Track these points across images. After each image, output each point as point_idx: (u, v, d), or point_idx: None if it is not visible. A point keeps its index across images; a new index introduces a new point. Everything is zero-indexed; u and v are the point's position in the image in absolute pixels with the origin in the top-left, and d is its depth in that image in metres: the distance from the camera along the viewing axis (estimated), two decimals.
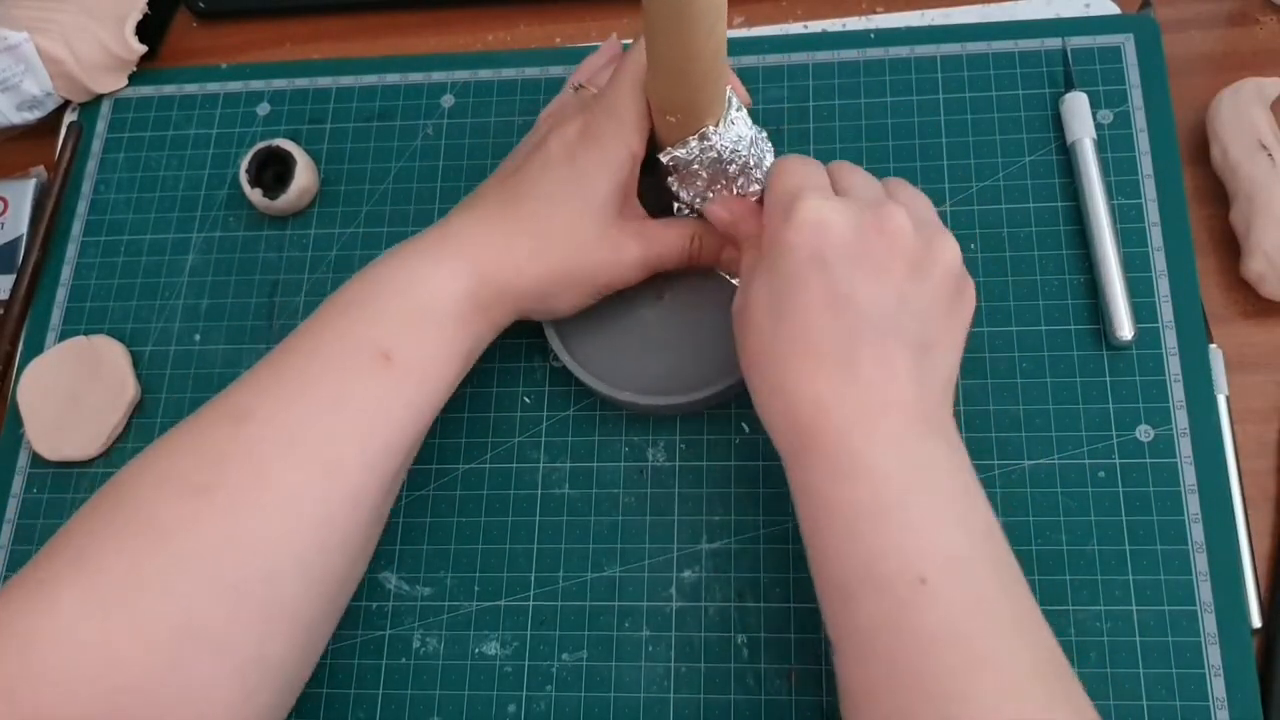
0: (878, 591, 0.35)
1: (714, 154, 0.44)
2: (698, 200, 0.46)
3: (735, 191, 0.45)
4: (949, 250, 0.40)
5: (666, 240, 0.46)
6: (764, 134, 0.45)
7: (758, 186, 0.45)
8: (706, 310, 0.49)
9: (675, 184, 0.46)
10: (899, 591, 0.34)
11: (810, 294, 0.38)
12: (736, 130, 0.44)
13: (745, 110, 0.44)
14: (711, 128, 0.43)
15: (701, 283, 0.50)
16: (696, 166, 0.44)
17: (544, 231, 0.44)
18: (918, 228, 0.40)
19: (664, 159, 0.45)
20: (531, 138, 0.48)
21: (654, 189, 0.47)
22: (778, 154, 0.45)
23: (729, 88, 0.43)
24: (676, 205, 0.48)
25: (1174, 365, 0.48)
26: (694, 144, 0.43)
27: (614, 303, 0.49)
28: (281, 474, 0.38)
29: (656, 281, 0.50)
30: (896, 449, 0.36)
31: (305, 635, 0.40)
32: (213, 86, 0.60)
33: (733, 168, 0.44)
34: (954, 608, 0.34)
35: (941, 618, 0.34)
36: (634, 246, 0.45)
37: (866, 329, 0.38)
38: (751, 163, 0.45)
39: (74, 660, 0.34)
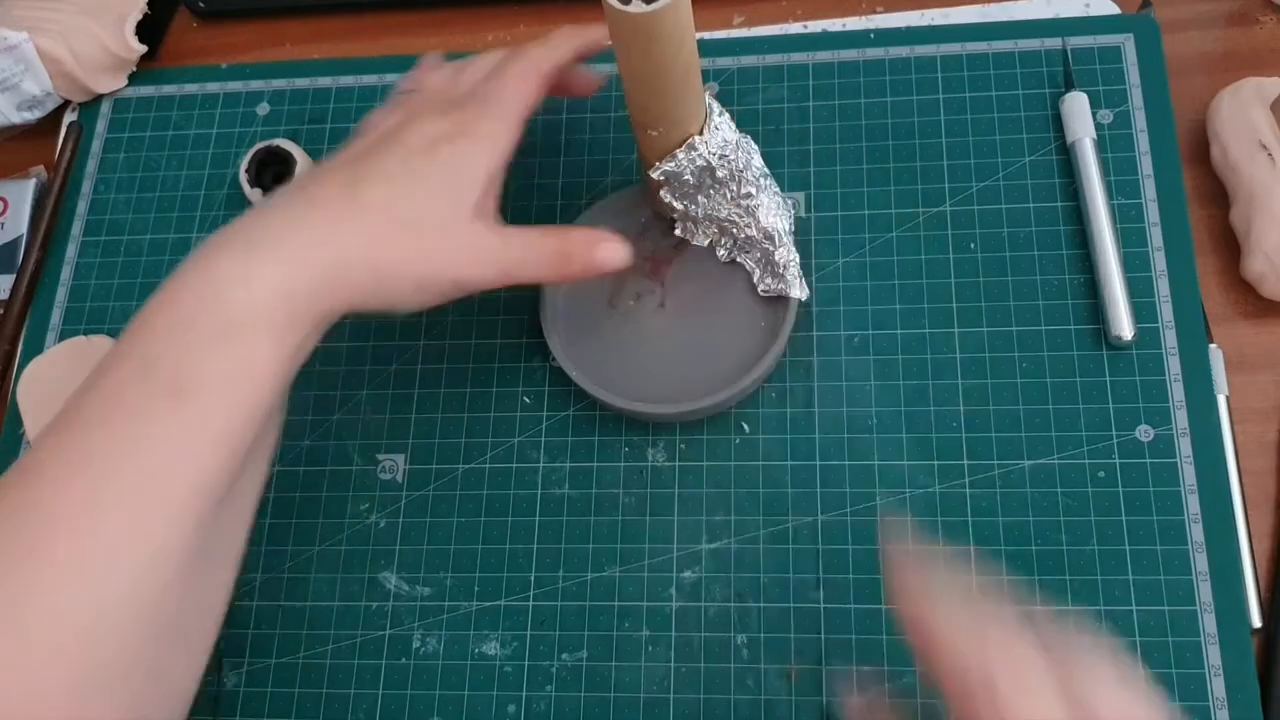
0: None
1: (702, 162, 0.44)
2: (693, 207, 0.47)
3: (729, 196, 0.46)
4: None
5: (529, 245, 0.42)
6: (746, 137, 0.46)
7: (751, 189, 0.46)
8: (708, 318, 0.49)
9: (668, 196, 0.46)
10: None
11: None
12: (722, 135, 0.44)
13: (728, 114, 0.45)
14: (696, 137, 0.43)
15: (702, 290, 0.50)
16: (687, 176, 0.45)
17: (386, 218, 0.39)
18: None
19: (654, 174, 0.45)
20: (370, 134, 0.44)
21: (641, 206, 0.47)
22: (775, 153, 0.45)
23: (708, 95, 0.43)
24: (674, 217, 0.48)
25: (1174, 365, 0.48)
26: (681, 156, 0.44)
27: (615, 311, 0.49)
28: (79, 532, 0.34)
29: (657, 290, 0.50)
30: None
31: (146, 684, 0.36)
32: (213, 86, 0.60)
33: (722, 172, 0.45)
34: None
35: None
36: (494, 247, 0.41)
37: None
38: (740, 165, 0.45)
39: None
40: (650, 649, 0.46)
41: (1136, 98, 0.52)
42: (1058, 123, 0.52)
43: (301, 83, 0.60)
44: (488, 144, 0.41)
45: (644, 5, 0.37)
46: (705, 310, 0.50)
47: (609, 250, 0.43)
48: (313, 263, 0.38)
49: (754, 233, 0.47)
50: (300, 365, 0.39)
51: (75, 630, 0.33)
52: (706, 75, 0.55)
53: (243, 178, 0.55)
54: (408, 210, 0.40)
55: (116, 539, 0.35)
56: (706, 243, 0.49)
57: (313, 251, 0.38)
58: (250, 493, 0.42)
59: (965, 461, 0.47)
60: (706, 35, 0.58)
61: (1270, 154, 0.49)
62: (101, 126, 0.60)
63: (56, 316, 0.56)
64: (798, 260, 0.48)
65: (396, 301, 0.40)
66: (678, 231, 0.49)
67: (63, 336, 0.56)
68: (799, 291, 0.48)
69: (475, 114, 0.42)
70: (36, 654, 0.33)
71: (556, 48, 0.46)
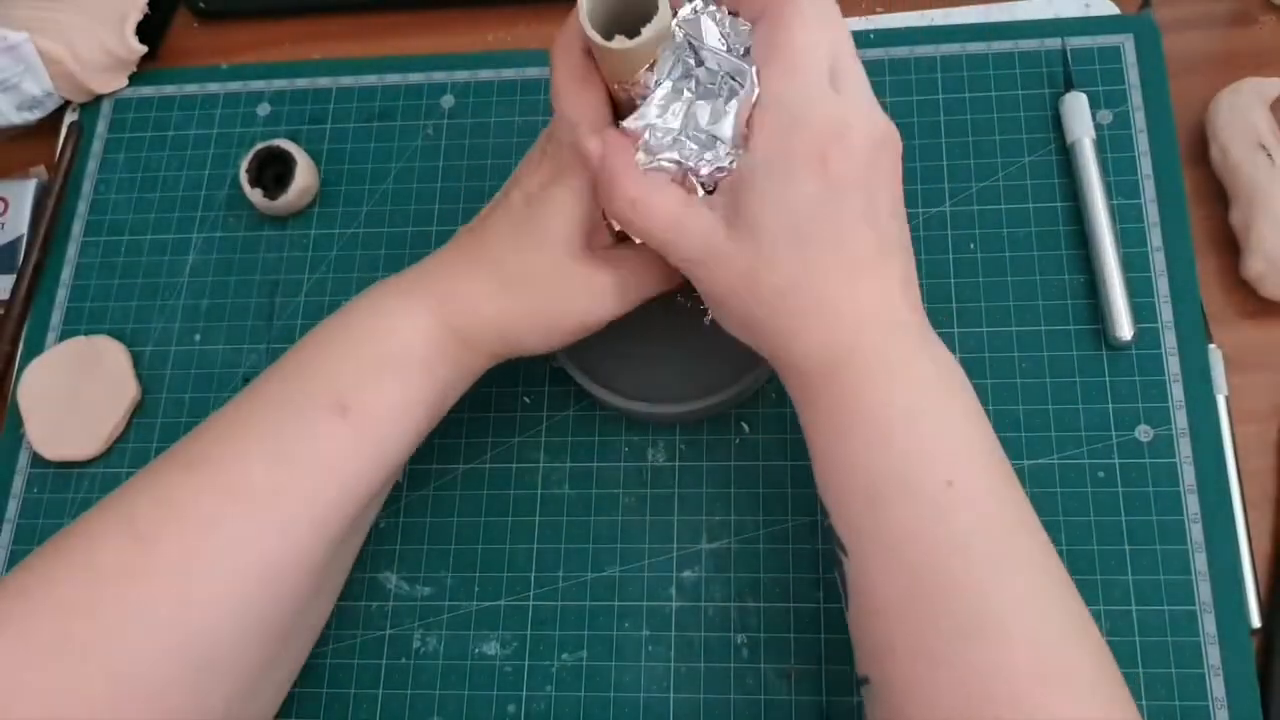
0: (910, 496, 0.35)
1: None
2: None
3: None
4: (897, 140, 0.38)
5: (641, 266, 0.43)
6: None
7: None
8: (710, 316, 0.49)
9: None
10: (931, 495, 0.35)
11: (849, 207, 0.36)
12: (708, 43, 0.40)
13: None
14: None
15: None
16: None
17: (503, 274, 0.42)
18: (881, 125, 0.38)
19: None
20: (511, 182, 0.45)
21: None
22: None
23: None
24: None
25: (1174, 365, 0.48)
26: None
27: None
28: (225, 527, 0.37)
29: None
30: (928, 353, 0.37)
31: (247, 685, 0.39)
32: (213, 86, 0.61)
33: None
34: (979, 511, 0.35)
35: (969, 521, 0.34)
36: (602, 279, 0.42)
37: (891, 238, 0.37)
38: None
39: (9, 709, 0.34)
40: (650, 649, 0.46)
41: (1136, 98, 0.52)
42: (1057, 123, 0.52)
43: (301, 83, 0.60)
44: (573, 183, 0.41)
45: (626, 41, 0.36)
46: (708, 309, 0.49)
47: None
48: (451, 314, 0.42)
49: None
50: (446, 410, 0.43)
51: (195, 625, 0.37)
52: None
53: (243, 178, 0.55)
54: (518, 268, 0.42)
55: (259, 536, 0.38)
56: None
57: (449, 304, 0.42)
58: (364, 529, 0.44)
59: None
60: None
61: (1270, 154, 0.49)
62: (102, 126, 0.60)
63: (56, 316, 0.56)
64: None
65: (528, 349, 0.43)
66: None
67: (63, 336, 0.56)
68: None
69: (554, 156, 0.42)
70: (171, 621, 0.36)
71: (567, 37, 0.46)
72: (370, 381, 0.40)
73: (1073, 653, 0.34)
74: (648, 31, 0.36)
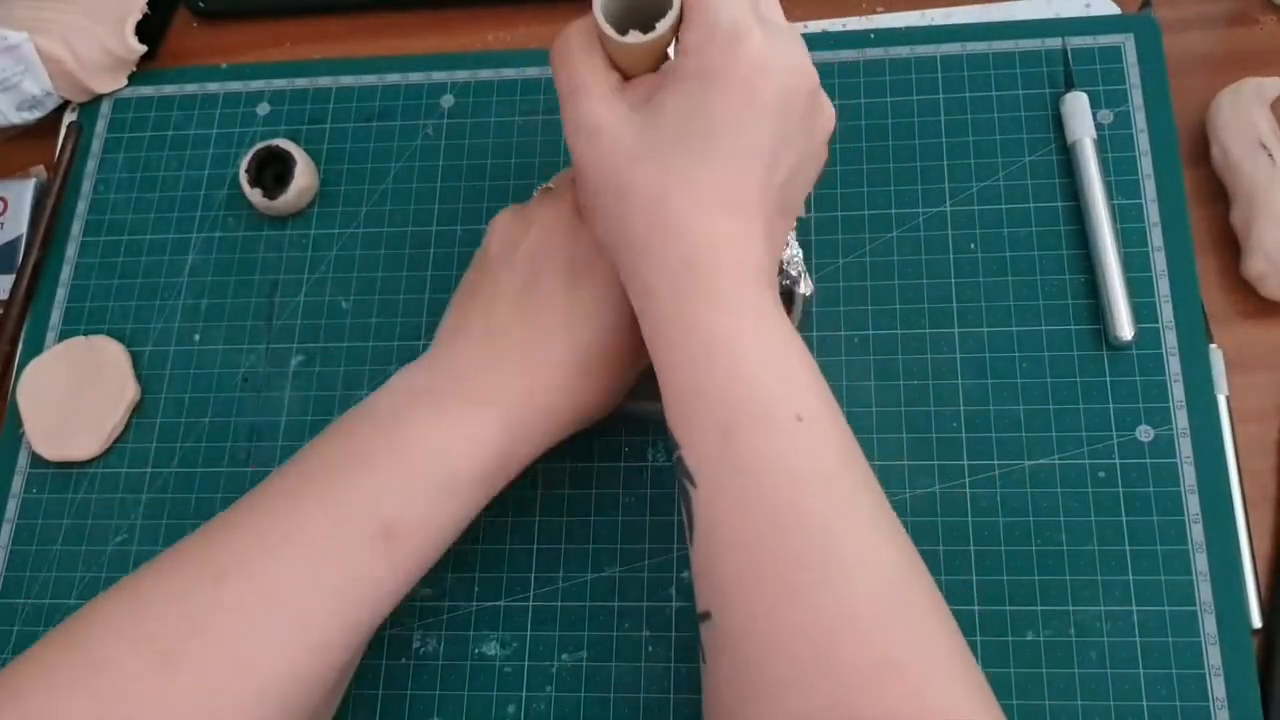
0: (764, 427, 0.34)
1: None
2: None
3: None
4: (830, 112, 0.40)
5: None
6: None
7: None
8: None
9: None
10: (784, 427, 0.34)
11: (755, 139, 0.36)
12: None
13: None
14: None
15: None
16: None
17: (568, 369, 0.41)
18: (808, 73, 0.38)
19: None
20: (517, 253, 0.43)
21: None
22: None
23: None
24: None
25: (1174, 365, 0.48)
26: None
27: None
28: (255, 646, 0.35)
29: None
30: (774, 296, 0.37)
31: None
32: (213, 86, 0.60)
33: None
34: (829, 450, 0.35)
35: (819, 458, 0.35)
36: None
37: (778, 184, 0.37)
38: None
39: None
40: (650, 649, 0.46)
41: (1137, 98, 0.52)
42: (1058, 123, 0.52)
43: (301, 83, 0.60)
44: (601, 273, 0.41)
45: (640, 36, 0.37)
46: None
47: None
48: (530, 421, 0.40)
49: None
50: None
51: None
52: None
53: (243, 178, 0.55)
54: (583, 357, 0.41)
55: (288, 653, 0.36)
56: None
57: (529, 404, 0.40)
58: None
59: (965, 461, 0.47)
60: None
61: (1270, 154, 0.49)
62: (101, 126, 0.60)
63: (56, 316, 0.56)
64: (801, 256, 0.48)
65: (590, 421, 0.43)
66: None
67: (63, 336, 0.56)
68: (804, 288, 0.48)
69: (574, 242, 0.42)
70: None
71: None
72: (422, 505, 0.38)
73: (912, 592, 0.34)
74: (662, 26, 0.36)
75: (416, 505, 0.38)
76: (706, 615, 0.35)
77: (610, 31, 0.37)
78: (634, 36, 0.37)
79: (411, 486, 0.38)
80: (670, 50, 0.39)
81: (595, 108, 0.38)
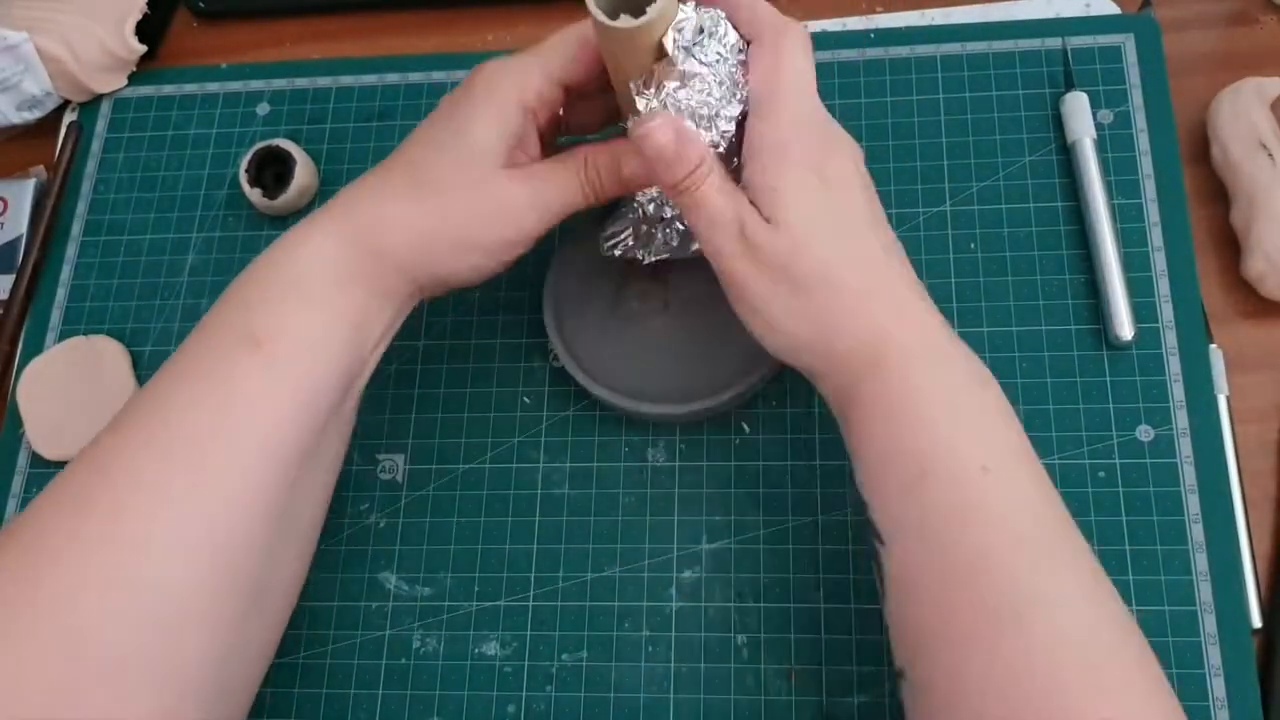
0: (949, 479, 0.35)
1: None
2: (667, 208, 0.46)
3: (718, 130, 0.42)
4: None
5: (556, 177, 0.42)
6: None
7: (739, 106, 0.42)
8: (712, 318, 0.49)
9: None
10: (969, 478, 0.35)
11: (855, 207, 0.39)
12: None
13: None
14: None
15: (707, 290, 0.50)
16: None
17: (418, 185, 0.41)
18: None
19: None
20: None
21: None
22: None
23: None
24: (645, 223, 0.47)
25: (1174, 365, 0.48)
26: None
27: (618, 313, 0.49)
28: (159, 479, 0.37)
29: (660, 289, 0.50)
30: (957, 343, 0.38)
31: (225, 639, 0.38)
32: (213, 86, 0.60)
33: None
34: (1016, 498, 0.35)
35: (1005, 505, 0.35)
36: (519, 192, 0.41)
37: (891, 241, 0.40)
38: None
39: None
40: (650, 649, 0.46)
41: (1137, 98, 0.52)
42: (1058, 123, 0.52)
43: (301, 83, 0.60)
44: (498, 96, 0.41)
45: (632, 20, 0.37)
46: (709, 310, 0.49)
47: (634, 165, 0.42)
48: (358, 226, 0.40)
49: None
50: (373, 342, 0.42)
51: (149, 577, 0.36)
52: None
53: (243, 178, 0.55)
54: (431, 175, 0.41)
55: (195, 486, 0.37)
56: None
57: (356, 216, 0.41)
58: (327, 467, 0.43)
59: None
60: None
61: (1270, 154, 0.49)
62: (101, 126, 0.60)
63: (56, 316, 0.56)
64: None
65: (449, 270, 0.42)
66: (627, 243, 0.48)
67: (63, 336, 0.56)
68: None
69: (493, 68, 0.42)
70: (116, 600, 0.35)
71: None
72: (278, 309, 0.39)
73: (1114, 647, 0.34)
74: (652, 10, 0.36)
75: (272, 311, 0.39)
76: (902, 673, 0.36)
77: (602, 17, 0.37)
78: (625, 21, 0.37)
79: (266, 294, 0.40)
80: (667, 42, 0.39)
81: (745, 268, 0.39)
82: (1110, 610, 0.34)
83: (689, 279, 0.50)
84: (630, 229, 0.47)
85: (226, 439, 0.38)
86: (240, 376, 0.38)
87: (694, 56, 0.39)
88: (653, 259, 0.47)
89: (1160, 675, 0.34)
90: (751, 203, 0.39)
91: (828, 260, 0.38)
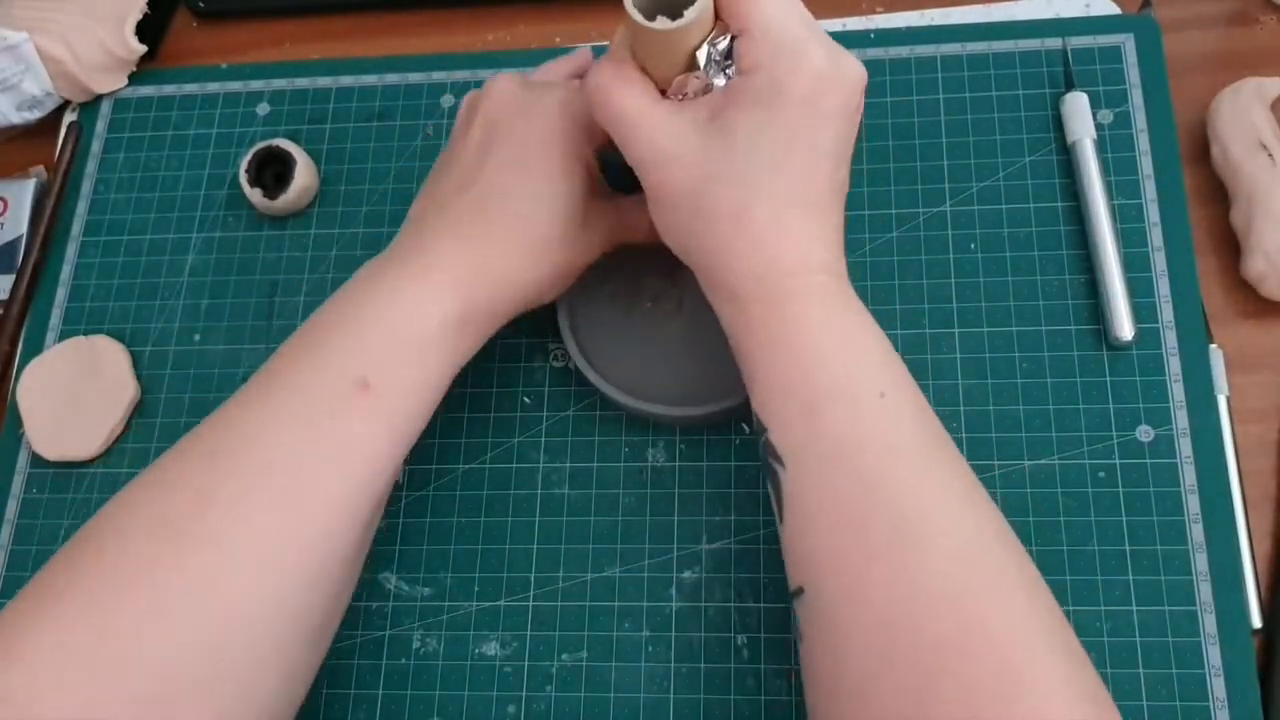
0: (847, 404, 0.36)
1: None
2: None
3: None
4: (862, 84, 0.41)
5: (635, 214, 0.46)
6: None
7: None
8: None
9: None
10: (867, 403, 0.36)
11: (823, 142, 0.38)
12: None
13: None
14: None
15: None
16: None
17: (529, 248, 0.43)
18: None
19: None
20: (472, 129, 0.45)
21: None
22: None
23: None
24: None
25: (1174, 365, 0.48)
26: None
27: (632, 314, 0.49)
28: (256, 512, 0.37)
29: (674, 292, 0.50)
30: (854, 295, 0.40)
31: (289, 673, 0.39)
32: (213, 86, 0.60)
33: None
34: (911, 422, 0.37)
35: (902, 430, 0.37)
36: (600, 232, 0.46)
37: (842, 181, 0.40)
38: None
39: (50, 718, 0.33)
40: (650, 649, 0.46)
41: (1137, 98, 0.52)
42: (1058, 123, 0.52)
43: (301, 83, 0.60)
44: (574, 147, 0.43)
45: (669, 22, 0.37)
46: None
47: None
48: (480, 285, 0.42)
49: None
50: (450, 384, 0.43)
51: (231, 613, 0.36)
52: None
53: (243, 178, 0.55)
54: (538, 234, 0.43)
55: (289, 521, 0.37)
56: None
57: (480, 279, 0.42)
58: (380, 512, 0.43)
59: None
60: None
61: (1270, 154, 0.49)
62: (101, 126, 0.60)
63: (56, 316, 0.56)
64: None
65: (538, 302, 0.45)
66: None
67: (63, 336, 0.56)
68: None
69: (549, 102, 0.44)
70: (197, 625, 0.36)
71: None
72: (392, 360, 0.40)
73: (1003, 557, 0.35)
74: (690, 13, 0.37)
75: (386, 361, 0.40)
76: (800, 591, 0.36)
77: (639, 18, 0.37)
78: (662, 22, 0.37)
79: (379, 344, 0.40)
80: (700, 56, 0.39)
81: (659, 138, 0.39)
82: (996, 526, 0.36)
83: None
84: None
85: (325, 479, 0.38)
86: (348, 420, 0.39)
87: (724, 73, 0.39)
88: None
89: (1045, 600, 0.35)
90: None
91: (747, 197, 0.38)
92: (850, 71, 0.39)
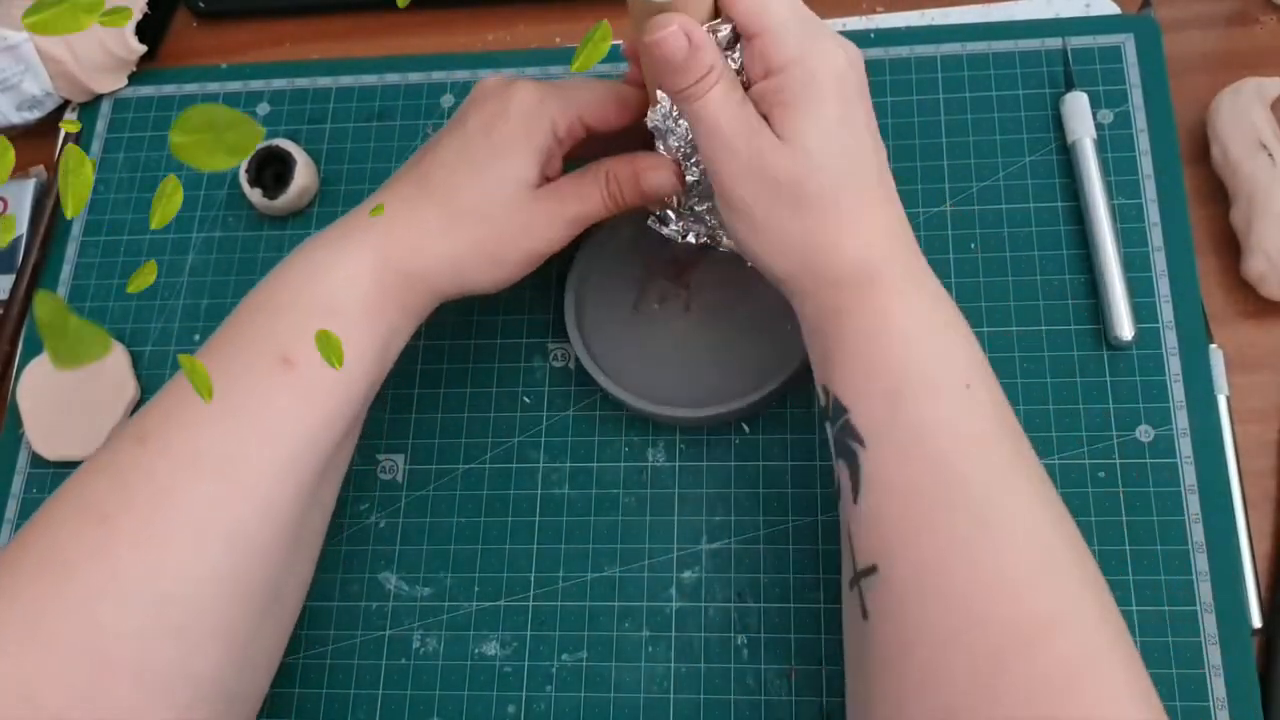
0: (933, 392, 0.37)
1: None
2: (678, 152, 0.45)
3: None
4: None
5: (580, 191, 0.44)
6: None
7: None
8: (733, 321, 0.49)
9: (659, 145, 0.45)
10: (952, 392, 0.37)
11: (863, 124, 0.39)
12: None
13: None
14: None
15: (728, 293, 0.50)
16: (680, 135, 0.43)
17: (454, 207, 0.42)
18: None
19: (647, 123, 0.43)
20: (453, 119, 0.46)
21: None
22: None
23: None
24: (672, 209, 0.47)
25: (1174, 365, 0.48)
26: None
27: (639, 315, 0.49)
28: (184, 492, 0.37)
29: (682, 292, 0.50)
30: (928, 268, 0.40)
31: (240, 648, 0.39)
32: (213, 86, 0.60)
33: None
34: (993, 417, 0.38)
35: (985, 422, 0.37)
36: (547, 209, 0.43)
37: (885, 156, 0.40)
38: None
39: None
40: (650, 649, 0.46)
41: (1137, 98, 0.52)
42: (1058, 123, 0.52)
43: (301, 83, 0.60)
44: (539, 127, 0.42)
45: None
46: (731, 313, 0.49)
47: (653, 178, 0.43)
48: (394, 253, 0.41)
49: None
50: (395, 356, 0.43)
51: (169, 589, 0.36)
52: None
53: (243, 178, 0.55)
54: (467, 202, 0.42)
55: (220, 499, 0.38)
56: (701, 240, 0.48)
57: (395, 242, 0.41)
58: (338, 473, 0.44)
59: None
60: None
61: (1270, 154, 0.49)
62: (101, 126, 0.60)
63: None
64: None
65: (476, 284, 0.44)
66: (674, 228, 0.48)
67: None
68: None
69: (526, 91, 0.43)
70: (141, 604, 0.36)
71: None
72: (311, 330, 0.39)
73: (1073, 555, 0.36)
74: None
75: (307, 334, 0.39)
76: (871, 569, 0.37)
77: None
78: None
79: (298, 318, 0.40)
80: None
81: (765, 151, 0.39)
82: (1066, 522, 0.37)
83: (710, 282, 0.50)
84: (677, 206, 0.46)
85: (253, 455, 0.38)
86: (270, 395, 0.39)
87: (728, 58, 0.39)
88: (694, 240, 0.46)
89: (1107, 598, 0.36)
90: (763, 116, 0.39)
91: (835, 184, 0.38)
92: (855, 50, 0.40)
